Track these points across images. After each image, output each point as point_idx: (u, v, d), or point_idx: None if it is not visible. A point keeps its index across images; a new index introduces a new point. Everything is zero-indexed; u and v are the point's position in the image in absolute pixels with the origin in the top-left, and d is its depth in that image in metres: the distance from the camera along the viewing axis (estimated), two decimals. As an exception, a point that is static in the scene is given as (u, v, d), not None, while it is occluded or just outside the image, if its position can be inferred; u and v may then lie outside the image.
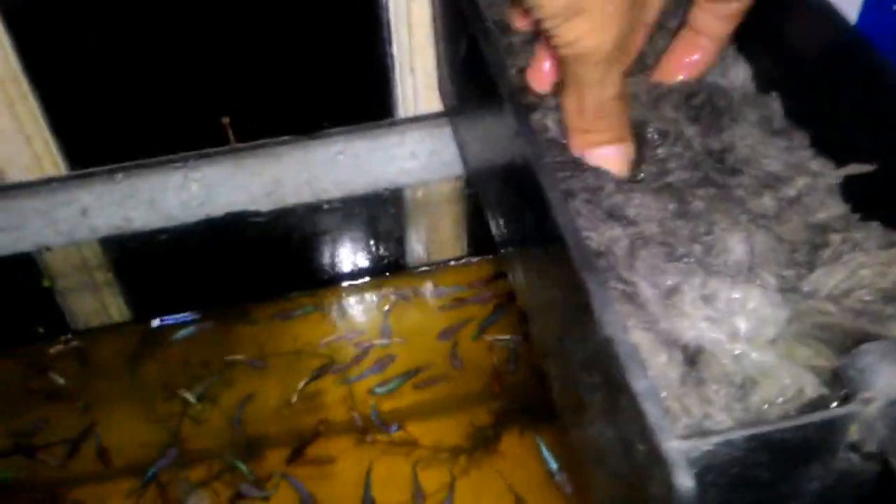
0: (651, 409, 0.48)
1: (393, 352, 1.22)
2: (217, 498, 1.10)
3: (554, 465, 1.11)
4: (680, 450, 0.46)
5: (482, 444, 1.14)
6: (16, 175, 1.06)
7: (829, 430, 0.48)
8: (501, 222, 0.83)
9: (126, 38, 0.99)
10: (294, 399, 1.19)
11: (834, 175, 0.72)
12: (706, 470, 0.47)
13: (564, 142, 0.75)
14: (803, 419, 0.48)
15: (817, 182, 0.72)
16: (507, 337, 1.24)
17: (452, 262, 1.32)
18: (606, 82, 0.69)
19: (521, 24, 0.88)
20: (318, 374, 1.21)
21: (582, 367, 0.60)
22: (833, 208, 0.70)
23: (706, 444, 0.46)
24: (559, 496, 1.09)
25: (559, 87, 0.75)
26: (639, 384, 0.49)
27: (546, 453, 1.12)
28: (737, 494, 0.49)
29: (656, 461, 0.47)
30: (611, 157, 0.73)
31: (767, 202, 0.70)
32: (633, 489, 0.55)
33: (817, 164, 0.73)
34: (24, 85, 0.99)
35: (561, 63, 0.71)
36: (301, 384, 1.20)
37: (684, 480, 0.46)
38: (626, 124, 0.74)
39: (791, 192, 0.71)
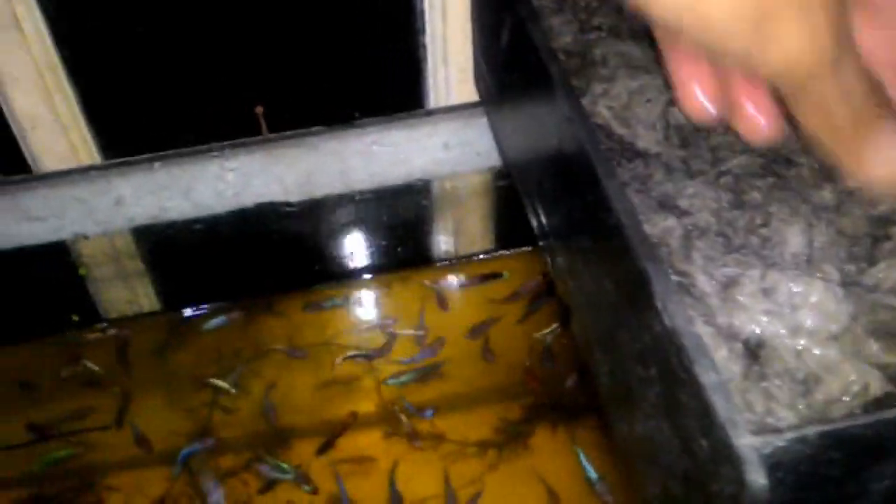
0: (720, 402, 0.46)
1: (425, 343, 1.22)
2: (246, 488, 1.10)
3: (593, 475, 1.09)
4: (752, 446, 0.45)
5: (513, 438, 1.13)
6: (51, 164, 1.06)
7: (904, 427, 0.47)
8: (544, 213, 0.82)
9: (162, 29, 0.98)
10: (339, 362, 1.20)
11: None
12: (776, 467, 0.46)
13: (612, 128, 0.73)
14: (880, 416, 0.47)
15: None
16: (542, 331, 1.22)
17: (486, 255, 1.30)
18: (848, 80, 0.46)
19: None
20: (356, 356, 1.21)
21: (636, 360, 0.59)
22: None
23: (779, 440, 0.45)
24: (592, 491, 1.09)
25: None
26: (707, 377, 0.47)
27: (584, 461, 1.11)
28: (804, 493, 0.48)
29: (725, 457, 0.46)
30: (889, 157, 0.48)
31: (826, 194, 0.68)
32: (691, 487, 0.53)
33: None
34: (61, 74, 0.98)
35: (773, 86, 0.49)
36: (342, 357, 1.20)
37: (757, 477, 0.44)
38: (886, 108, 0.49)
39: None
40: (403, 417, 1.15)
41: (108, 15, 0.95)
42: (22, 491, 1.11)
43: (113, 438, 1.14)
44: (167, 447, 1.13)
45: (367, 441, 1.14)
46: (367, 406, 1.17)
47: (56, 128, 1.02)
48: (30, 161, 1.05)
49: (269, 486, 1.10)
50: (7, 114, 1.00)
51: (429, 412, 1.16)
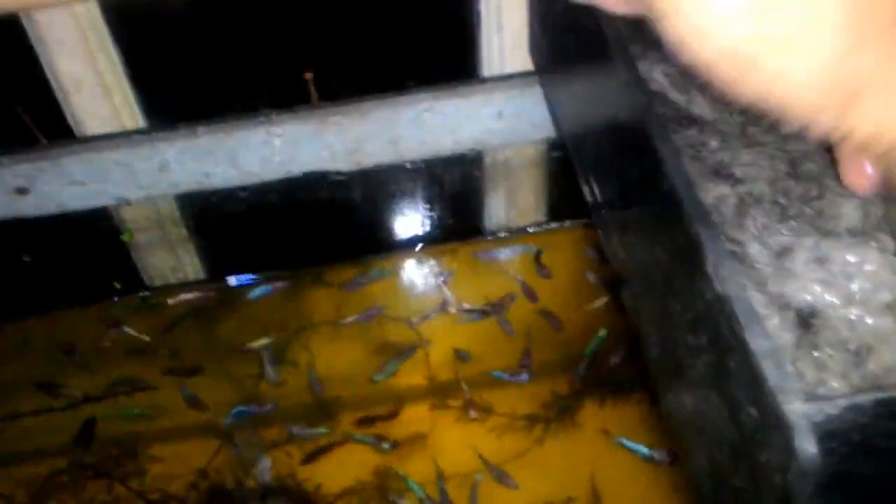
0: (770, 369, 0.45)
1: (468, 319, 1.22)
2: (290, 459, 1.11)
3: (645, 451, 1.09)
4: (803, 413, 0.44)
5: (562, 412, 1.13)
6: (94, 127, 1.05)
7: (962, 398, 0.46)
8: (597, 183, 0.81)
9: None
10: (416, 321, 1.22)
11: None
12: (827, 436, 0.44)
13: (668, 94, 0.73)
14: (939, 386, 0.45)
15: None
16: (595, 303, 1.22)
17: (538, 227, 1.30)
18: None
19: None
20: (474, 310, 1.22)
21: (687, 328, 0.59)
22: None
23: (832, 408, 0.44)
24: (639, 466, 1.09)
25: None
26: (758, 343, 0.46)
27: (629, 443, 1.10)
28: (854, 464, 0.47)
29: (774, 425, 0.45)
30: None
31: None
32: (739, 457, 0.53)
33: None
34: (106, 37, 0.98)
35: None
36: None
37: (807, 446, 0.43)
38: None
39: None
40: (464, 386, 1.16)
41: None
42: (63, 459, 1.12)
43: (156, 408, 1.15)
44: (210, 417, 1.14)
45: (417, 413, 1.15)
46: (417, 378, 1.17)
47: (99, 91, 1.02)
48: (72, 124, 1.05)
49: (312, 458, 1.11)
50: (50, 77, 1.00)
51: (524, 375, 1.16)
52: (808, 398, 0.44)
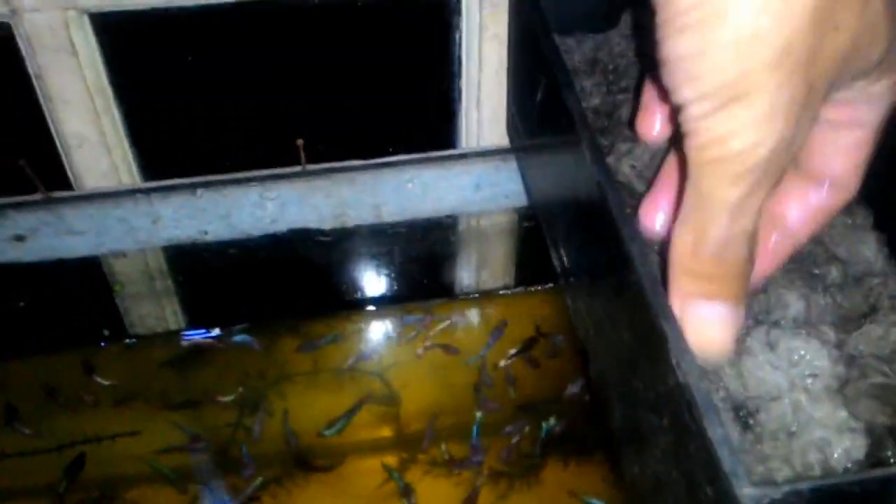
0: (725, 456, 0.51)
1: (437, 380, 1.25)
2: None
3: None
4: (752, 496, 0.49)
5: (526, 470, 1.17)
6: (92, 182, 1.09)
7: (888, 485, 0.51)
8: (567, 259, 0.85)
9: (210, 62, 1.02)
10: (420, 352, 1.26)
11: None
12: (772, 516, 0.50)
13: (634, 186, 0.77)
14: (866, 474, 0.51)
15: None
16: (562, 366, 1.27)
17: (510, 291, 1.34)
18: (745, 208, 0.51)
19: (646, 128, 0.74)
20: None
21: (650, 408, 0.63)
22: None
23: (776, 493, 0.49)
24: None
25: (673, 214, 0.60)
26: (715, 432, 0.52)
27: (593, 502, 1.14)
28: (795, 539, 0.52)
29: (727, 505, 0.50)
30: (713, 320, 0.58)
31: (833, 272, 0.73)
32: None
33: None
34: (110, 98, 1.02)
35: (687, 177, 0.53)
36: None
37: (755, 525, 0.49)
38: (746, 278, 0.58)
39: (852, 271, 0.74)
40: (443, 445, 1.18)
41: (159, 45, 0.99)
42: (42, 501, 1.13)
43: (135, 451, 1.17)
44: (188, 463, 1.16)
45: (378, 466, 1.17)
46: (386, 431, 1.20)
47: (100, 148, 1.06)
48: (72, 178, 1.09)
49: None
50: (55, 133, 1.04)
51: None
52: (756, 484, 0.50)
